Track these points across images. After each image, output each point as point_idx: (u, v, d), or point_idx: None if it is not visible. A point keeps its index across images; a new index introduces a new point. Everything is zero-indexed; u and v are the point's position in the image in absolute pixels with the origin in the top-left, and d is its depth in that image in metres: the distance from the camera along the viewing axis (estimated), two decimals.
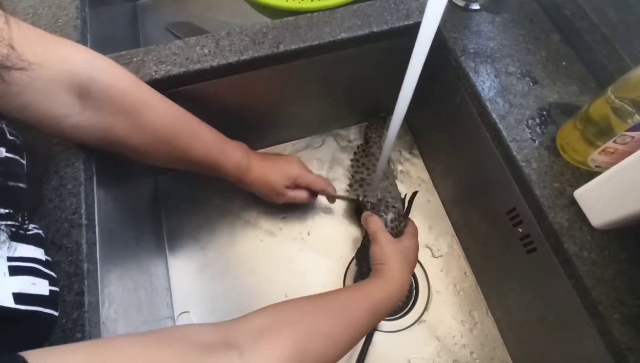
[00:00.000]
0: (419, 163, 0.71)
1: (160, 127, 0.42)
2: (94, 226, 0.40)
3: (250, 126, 0.62)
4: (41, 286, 0.30)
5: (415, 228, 0.56)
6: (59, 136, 0.41)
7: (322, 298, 0.40)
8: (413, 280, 0.62)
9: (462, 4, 0.54)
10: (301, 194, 0.58)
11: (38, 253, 0.32)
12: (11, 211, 0.30)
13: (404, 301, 0.61)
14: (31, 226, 0.34)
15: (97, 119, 0.38)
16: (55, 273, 0.33)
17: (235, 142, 0.51)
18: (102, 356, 0.23)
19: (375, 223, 0.53)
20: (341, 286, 0.61)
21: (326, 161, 0.70)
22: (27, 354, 0.20)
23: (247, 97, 0.56)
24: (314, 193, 0.60)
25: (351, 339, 0.39)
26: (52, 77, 0.34)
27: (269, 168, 0.54)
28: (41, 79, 0.33)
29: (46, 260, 0.32)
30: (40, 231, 0.34)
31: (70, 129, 0.37)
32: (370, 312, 0.42)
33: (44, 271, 0.31)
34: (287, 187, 0.55)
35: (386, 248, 0.49)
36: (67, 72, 0.35)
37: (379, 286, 0.45)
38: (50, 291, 0.31)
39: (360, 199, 0.58)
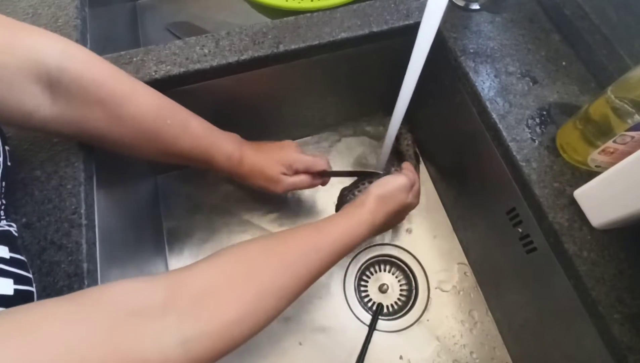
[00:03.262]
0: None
1: (142, 119, 0.39)
2: (94, 226, 0.40)
3: (250, 126, 0.62)
4: (3, 286, 0.28)
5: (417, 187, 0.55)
6: (29, 129, 0.39)
7: (279, 244, 0.36)
8: (413, 280, 0.62)
9: (462, 4, 0.54)
10: (302, 179, 0.53)
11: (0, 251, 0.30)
12: None
13: (404, 301, 0.61)
14: (2, 223, 0.32)
15: (69, 112, 0.36)
16: (29, 271, 0.32)
17: (227, 133, 0.48)
18: (14, 332, 0.21)
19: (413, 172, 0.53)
20: (341, 285, 0.61)
21: None
22: None
23: (247, 97, 0.56)
24: (317, 176, 0.55)
25: (306, 288, 0.36)
26: (18, 67, 0.32)
27: (262, 157, 0.50)
28: (6, 69, 0.31)
29: (12, 257, 0.30)
30: (10, 229, 0.33)
31: (40, 123, 0.35)
32: (333, 257, 0.39)
33: (7, 270, 0.29)
34: (285, 174, 0.51)
35: (386, 186, 0.47)
36: (35, 61, 0.33)
37: (347, 223, 0.42)
38: (17, 290, 0.29)
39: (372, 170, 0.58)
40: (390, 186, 0.48)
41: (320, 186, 0.57)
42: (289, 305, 0.35)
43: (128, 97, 0.38)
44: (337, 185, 0.64)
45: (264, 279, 0.33)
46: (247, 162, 0.49)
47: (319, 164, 0.54)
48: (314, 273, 0.37)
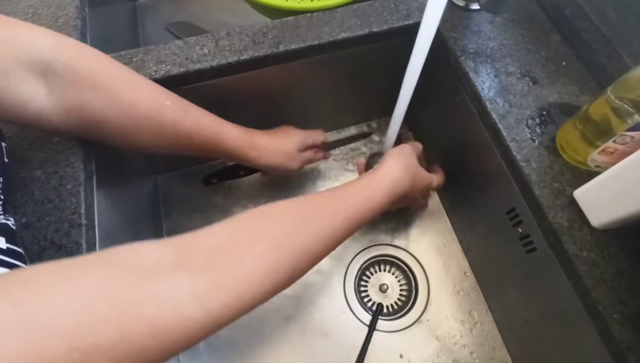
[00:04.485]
0: None
1: (140, 102, 0.38)
2: (94, 226, 0.40)
3: (249, 126, 0.62)
4: None
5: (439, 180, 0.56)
6: (23, 125, 0.38)
7: (298, 205, 0.35)
8: (413, 280, 0.62)
9: (462, 4, 0.54)
10: (311, 154, 0.57)
11: None
12: None
13: (404, 301, 0.61)
14: (0, 217, 0.32)
15: (66, 101, 0.35)
16: (27, 263, 0.31)
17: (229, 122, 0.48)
18: (6, 289, 0.20)
19: (416, 145, 0.52)
20: (341, 285, 0.61)
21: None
22: None
23: (247, 98, 0.56)
24: (319, 150, 0.60)
25: (325, 252, 0.35)
26: (12, 59, 0.32)
27: (276, 138, 0.52)
28: (0, 61, 0.32)
29: (8, 248, 0.30)
30: (8, 222, 0.33)
31: (36, 116, 0.35)
32: (353, 223, 0.37)
33: (3, 259, 0.29)
34: (300, 150, 0.54)
35: (403, 152, 0.46)
36: (29, 53, 0.33)
37: (367, 188, 0.40)
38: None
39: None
40: (407, 151, 0.47)
41: (318, 182, 0.60)
42: (310, 267, 0.33)
43: (124, 81, 0.38)
44: (332, 178, 0.64)
45: (283, 238, 0.31)
46: (261, 143, 0.50)
47: (322, 136, 0.58)
48: (333, 236, 0.35)
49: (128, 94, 0.38)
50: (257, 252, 0.29)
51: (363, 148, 0.71)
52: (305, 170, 0.67)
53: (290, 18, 0.52)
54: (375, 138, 0.72)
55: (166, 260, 0.26)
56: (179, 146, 0.43)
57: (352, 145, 0.71)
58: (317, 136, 0.57)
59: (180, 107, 0.42)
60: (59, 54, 0.34)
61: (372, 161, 0.61)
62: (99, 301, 0.21)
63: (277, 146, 0.51)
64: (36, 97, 0.34)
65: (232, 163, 0.62)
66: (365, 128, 0.73)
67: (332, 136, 0.72)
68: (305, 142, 0.55)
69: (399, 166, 0.44)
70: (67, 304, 0.20)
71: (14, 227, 0.33)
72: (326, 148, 0.62)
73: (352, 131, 0.73)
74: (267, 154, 0.50)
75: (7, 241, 0.31)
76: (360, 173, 0.55)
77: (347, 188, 0.40)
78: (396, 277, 0.63)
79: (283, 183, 0.68)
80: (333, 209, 0.36)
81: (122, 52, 0.48)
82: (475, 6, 0.53)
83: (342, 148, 0.71)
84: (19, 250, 0.32)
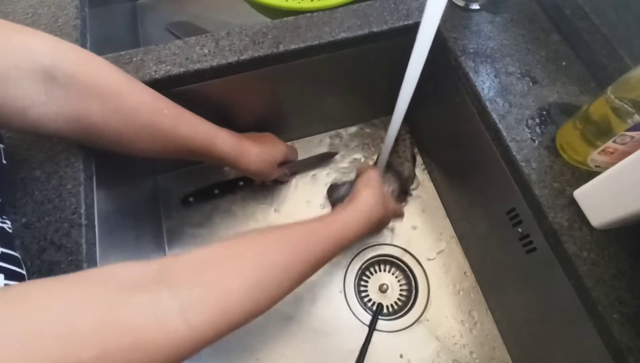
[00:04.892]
0: (418, 162, 0.71)
1: (140, 110, 0.39)
2: (94, 226, 0.40)
3: (249, 127, 0.62)
4: None
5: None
6: (22, 131, 0.39)
7: (280, 229, 0.37)
8: (413, 280, 0.62)
9: (462, 4, 0.54)
10: (283, 170, 0.61)
11: None
12: None
13: (404, 301, 0.61)
14: None
15: (65, 108, 0.35)
16: (22, 268, 0.31)
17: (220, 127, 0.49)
18: (10, 309, 0.20)
19: (372, 168, 0.54)
20: (341, 285, 0.61)
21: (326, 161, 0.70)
22: None
23: (247, 98, 0.56)
24: (290, 167, 0.64)
25: (307, 272, 0.36)
26: (11, 65, 0.32)
27: (266, 148, 0.55)
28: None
29: (3, 253, 0.30)
30: (4, 225, 0.32)
31: (35, 122, 0.35)
32: (333, 246, 0.40)
33: None
34: (279, 163, 0.58)
35: (372, 180, 0.50)
36: (29, 58, 0.33)
37: (346, 216, 0.43)
38: (8, 286, 0.29)
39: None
40: (375, 180, 0.51)
41: (319, 187, 0.61)
42: (293, 287, 0.34)
43: (124, 90, 0.38)
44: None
45: (264, 254, 0.33)
46: (253, 151, 0.52)
47: (296, 154, 0.63)
48: (314, 255, 0.37)
49: (127, 101, 0.38)
50: (238, 266, 0.30)
51: (326, 177, 0.69)
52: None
53: (290, 18, 0.52)
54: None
55: (149, 275, 0.26)
56: (174, 151, 0.44)
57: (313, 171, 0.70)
58: (294, 153, 0.62)
59: (177, 114, 0.43)
60: (58, 60, 0.34)
61: (334, 192, 0.62)
62: (80, 316, 0.21)
63: (264, 155, 0.54)
64: (36, 104, 0.34)
65: (207, 184, 0.66)
66: (366, 161, 0.73)
67: (313, 141, 0.72)
68: (287, 155, 0.58)
69: (374, 196, 0.48)
70: (49, 320, 0.20)
71: (10, 231, 0.33)
72: (293, 168, 0.66)
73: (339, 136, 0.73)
74: (256, 161, 0.53)
75: (2, 246, 0.30)
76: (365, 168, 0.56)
77: (327, 215, 0.44)
78: (396, 277, 0.63)
79: (279, 185, 0.68)
80: (313, 231, 0.39)
81: (122, 52, 0.48)
82: (475, 6, 0.53)
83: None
84: (15, 254, 0.32)
